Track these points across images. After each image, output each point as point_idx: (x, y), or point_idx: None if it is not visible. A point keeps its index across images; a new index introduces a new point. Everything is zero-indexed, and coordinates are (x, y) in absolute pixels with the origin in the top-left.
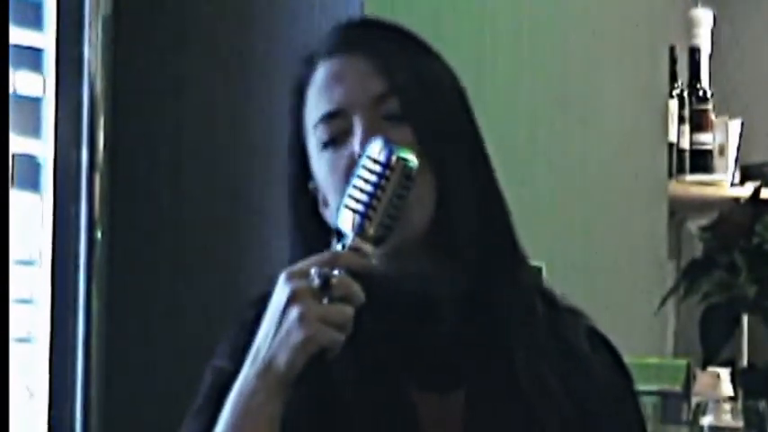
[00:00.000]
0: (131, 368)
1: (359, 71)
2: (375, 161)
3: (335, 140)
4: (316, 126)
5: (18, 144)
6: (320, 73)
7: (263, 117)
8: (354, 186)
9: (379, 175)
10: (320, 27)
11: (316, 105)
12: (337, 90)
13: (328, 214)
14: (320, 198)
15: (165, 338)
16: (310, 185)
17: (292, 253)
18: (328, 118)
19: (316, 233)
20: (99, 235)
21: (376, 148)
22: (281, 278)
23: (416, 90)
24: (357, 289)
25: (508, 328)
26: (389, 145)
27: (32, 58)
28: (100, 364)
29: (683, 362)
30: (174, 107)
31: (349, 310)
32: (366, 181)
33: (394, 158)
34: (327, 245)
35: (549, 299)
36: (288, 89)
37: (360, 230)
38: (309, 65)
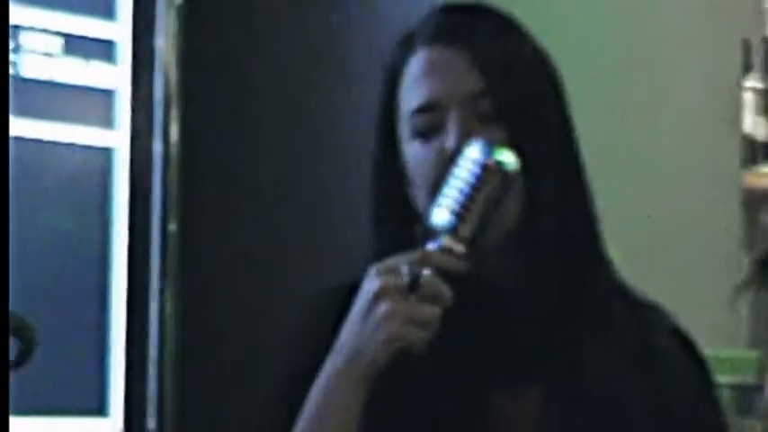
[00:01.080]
0: (204, 362)
1: (457, 66)
2: (473, 162)
3: (427, 133)
4: (410, 115)
5: (93, 136)
6: (418, 60)
7: (338, 108)
8: (451, 186)
9: (477, 177)
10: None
11: (411, 94)
12: (434, 83)
13: (415, 198)
14: (407, 181)
15: (237, 331)
16: (398, 166)
17: (376, 243)
18: (422, 110)
19: (399, 220)
20: (172, 227)
21: (475, 150)
22: (371, 273)
23: (512, 90)
24: (445, 289)
25: (587, 330)
26: (488, 147)
27: (106, 49)
28: (173, 356)
29: (755, 354)
30: (248, 98)
31: (436, 310)
32: (463, 181)
33: (492, 161)
34: (411, 232)
35: (630, 298)
36: (375, 76)
37: (453, 231)
38: (406, 48)
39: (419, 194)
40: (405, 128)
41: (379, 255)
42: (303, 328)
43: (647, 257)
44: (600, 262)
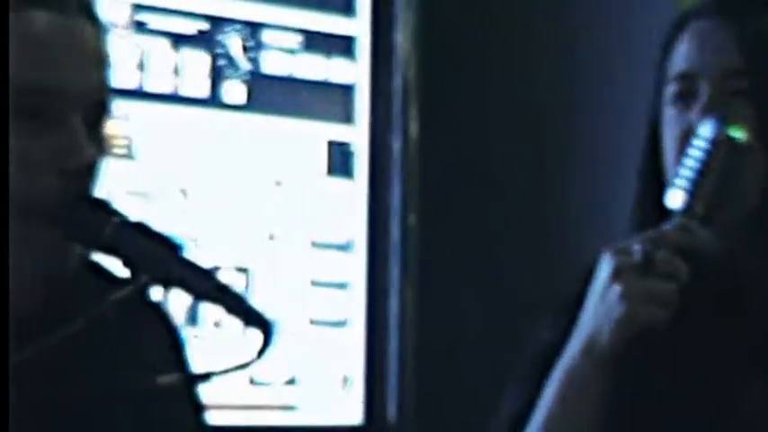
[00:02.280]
0: (443, 353)
1: (719, 39)
2: (704, 139)
3: (679, 101)
4: (669, 81)
5: (332, 131)
6: (687, 32)
7: (575, 105)
8: (684, 165)
9: (706, 153)
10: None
11: (674, 62)
12: (695, 53)
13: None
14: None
15: (476, 324)
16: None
17: (636, 217)
18: (680, 78)
19: (655, 194)
20: (412, 221)
21: (706, 126)
22: (605, 255)
23: None
24: (682, 266)
25: None
26: (719, 123)
27: (345, 45)
28: (413, 349)
29: None
30: (484, 94)
31: (672, 288)
32: (694, 159)
33: (721, 136)
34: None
35: None
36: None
37: (687, 209)
38: (680, 26)
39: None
40: (666, 94)
41: (638, 228)
42: (552, 312)
43: None
44: None
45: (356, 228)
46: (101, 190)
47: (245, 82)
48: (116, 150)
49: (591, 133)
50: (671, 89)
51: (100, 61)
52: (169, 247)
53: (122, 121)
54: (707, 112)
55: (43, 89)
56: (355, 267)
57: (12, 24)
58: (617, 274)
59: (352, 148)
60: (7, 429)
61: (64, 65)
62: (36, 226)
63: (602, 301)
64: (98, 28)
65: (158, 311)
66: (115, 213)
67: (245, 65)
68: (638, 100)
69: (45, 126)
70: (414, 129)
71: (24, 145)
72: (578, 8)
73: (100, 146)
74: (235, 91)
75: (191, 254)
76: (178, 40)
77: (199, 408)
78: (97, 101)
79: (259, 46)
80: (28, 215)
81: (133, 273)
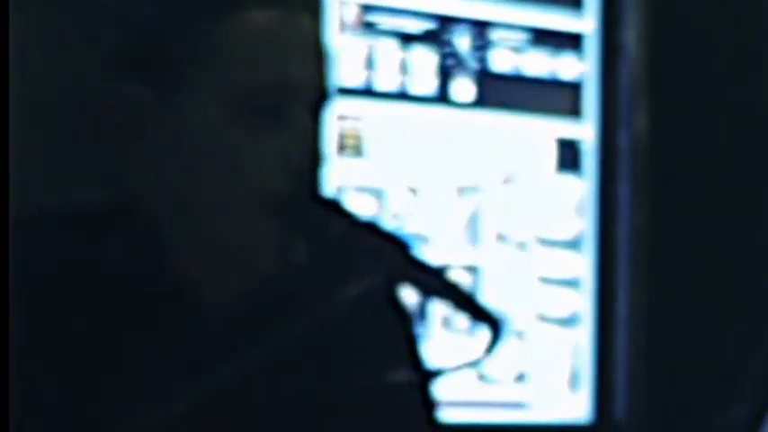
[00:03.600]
0: (673, 352)
1: None
2: None
3: None
4: None
5: (560, 128)
6: None
7: None
8: None
9: None
10: None
11: None
12: None
13: None
14: None
15: (707, 323)
16: None
17: None
18: None
19: None
20: (641, 218)
21: None
22: None
23: None
24: None
25: None
26: None
27: (573, 42)
28: (643, 348)
29: None
30: (712, 91)
31: None
32: None
33: None
34: None
35: None
36: None
37: None
38: None
39: None
40: None
41: None
42: None
43: None
44: None
45: (585, 225)
46: (330, 188)
47: (474, 80)
48: (347, 148)
49: None
50: None
51: (323, 57)
52: (399, 245)
53: (353, 119)
54: None
55: (271, 86)
56: (584, 265)
57: (238, 23)
58: None
59: (582, 145)
60: (7, 429)
61: (290, 62)
62: (266, 223)
63: None
64: (320, 24)
65: (397, 308)
66: (345, 212)
67: (473, 63)
68: None
69: (273, 123)
70: (643, 125)
71: (253, 142)
72: None
73: (326, 142)
74: (463, 89)
75: (420, 252)
76: (406, 39)
77: (431, 404)
78: (322, 97)
79: (487, 44)
80: (258, 213)
81: (364, 271)
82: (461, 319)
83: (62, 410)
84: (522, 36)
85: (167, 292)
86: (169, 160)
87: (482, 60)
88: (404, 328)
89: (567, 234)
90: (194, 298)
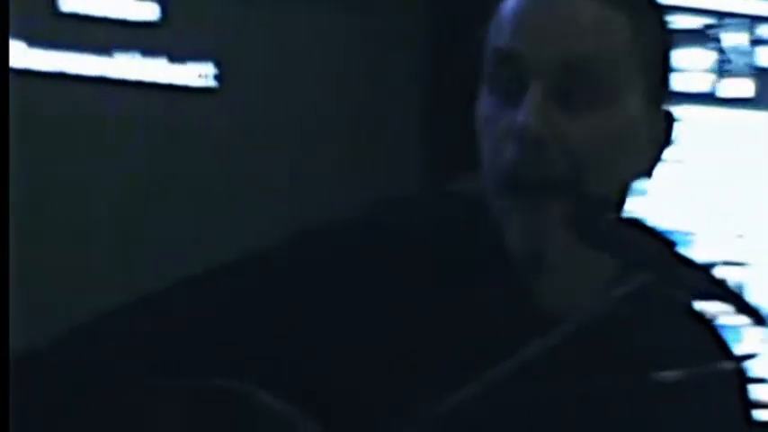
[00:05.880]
0: None
1: None
2: None
3: None
4: None
5: None
6: None
7: None
8: None
9: None
10: None
11: None
12: None
13: None
14: None
15: None
16: None
17: None
18: None
19: None
20: None
21: None
22: None
23: None
24: None
25: None
26: None
27: None
28: None
29: None
30: None
31: None
32: None
33: None
34: None
35: None
36: None
37: None
38: None
39: None
40: None
41: None
42: None
43: None
44: None
45: None
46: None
47: (749, 76)
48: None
49: None
50: None
51: (578, 34)
52: (665, 243)
53: None
54: None
55: (505, 55)
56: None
57: None
58: None
59: None
60: (7, 429)
61: (529, 34)
62: (501, 198)
63: None
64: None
65: (694, 314)
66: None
67: (751, 60)
68: None
69: (508, 93)
70: None
71: (491, 112)
72: None
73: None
74: (738, 87)
75: (687, 250)
76: (680, 36)
77: (748, 403)
78: (566, 73)
79: (757, 41)
80: (496, 186)
81: (630, 270)
82: (730, 318)
83: None
84: None
85: None
86: None
87: (750, 56)
88: (708, 329)
89: None
90: None
